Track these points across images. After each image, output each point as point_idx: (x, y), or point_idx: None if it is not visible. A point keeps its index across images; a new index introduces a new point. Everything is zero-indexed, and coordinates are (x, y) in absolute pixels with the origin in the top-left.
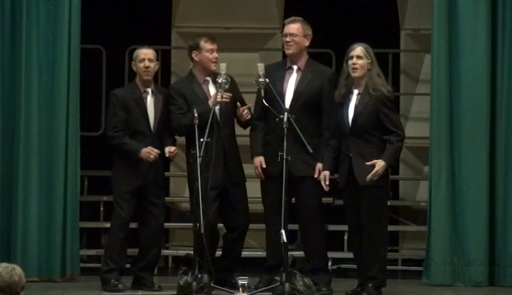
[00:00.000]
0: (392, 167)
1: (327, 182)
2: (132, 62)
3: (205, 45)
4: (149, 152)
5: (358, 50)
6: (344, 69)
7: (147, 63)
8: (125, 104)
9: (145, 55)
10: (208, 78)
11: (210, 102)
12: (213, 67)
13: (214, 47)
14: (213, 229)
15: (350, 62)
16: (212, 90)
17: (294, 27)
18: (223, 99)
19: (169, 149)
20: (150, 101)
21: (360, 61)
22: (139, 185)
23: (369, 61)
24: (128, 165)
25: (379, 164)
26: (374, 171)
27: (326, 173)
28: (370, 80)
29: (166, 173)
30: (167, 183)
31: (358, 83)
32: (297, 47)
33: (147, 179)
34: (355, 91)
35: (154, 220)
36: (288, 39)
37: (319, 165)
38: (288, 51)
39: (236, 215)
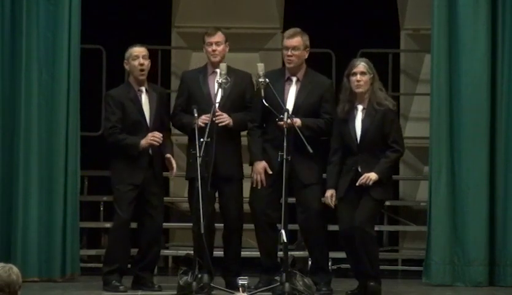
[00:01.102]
0: (384, 181)
1: (334, 201)
2: (125, 61)
3: (205, 38)
4: (152, 138)
5: (361, 66)
6: (344, 85)
7: (141, 60)
8: (121, 104)
9: (139, 52)
10: (217, 70)
11: (144, 142)
12: (212, 59)
13: (213, 39)
14: (210, 227)
15: (353, 78)
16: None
17: (295, 41)
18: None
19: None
20: (145, 99)
21: (364, 78)
22: (138, 185)
23: (371, 75)
24: (126, 165)
25: (371, 175)
26: (365, 177)
27: (333, 191)
28: (373, 95)
29: (166, 173)
30: (167, 183)
31: (361, 99)
32: (298, 60)
33: (146, 179)
34: (359, 107)
35: (152, 221)
36: (289, 52)
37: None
38: (290, 65)
39: (225, 211)
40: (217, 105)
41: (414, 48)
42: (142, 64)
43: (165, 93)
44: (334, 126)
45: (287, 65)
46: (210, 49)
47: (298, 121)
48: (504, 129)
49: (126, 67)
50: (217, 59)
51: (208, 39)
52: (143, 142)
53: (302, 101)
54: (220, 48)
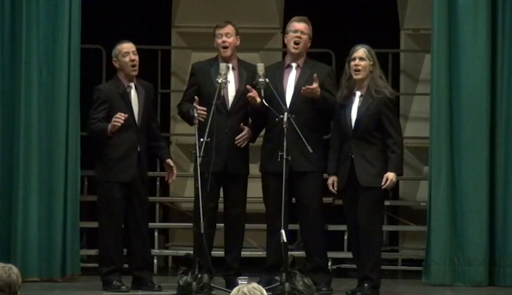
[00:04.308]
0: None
1: (335, 188)
2: (114, 59)
3: (216, 31)
4: (114, 119)
5: (361, 51)
6: (345, 70)
7: (132, 56)
8: (110, 99)
9: (129, 48)
10: (229, 65)
11: (109, 125)
12: (222, 53)
13: (223, 31)
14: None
15: (352, 63)
16: (230, 77)
17: (303, 26)
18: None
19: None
20: (134, 95)
21: (363, 63)
22: (127, 183)
23: (371, 62)
24: (114, 162)
25: (389, 176)
26: (387, 182)
27: (334, 178)
28: (372, 82)
29: (166, 173)
30: (166, 183)
31: (360, 85)
32: (304, 45)
33: (134, 177)
34: (358, 93)
35: (137, 222)
36: (299, 34)
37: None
38: (296, 51)
39: (229, 208)
40: (229, 103)
41: (414, 48)
42: (133, 60)
43: (152, 89)
44: (335, 111)
45: (293, 50)
46: (220, 41)
47: (317, 88)
48: (504, 129)
49: (116, 64)
50: (227, 53)
51: (218, 31)
52: (109, 125)
53: (303, 84)
54: (230, 39)
